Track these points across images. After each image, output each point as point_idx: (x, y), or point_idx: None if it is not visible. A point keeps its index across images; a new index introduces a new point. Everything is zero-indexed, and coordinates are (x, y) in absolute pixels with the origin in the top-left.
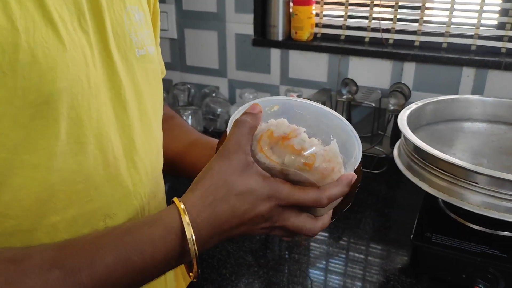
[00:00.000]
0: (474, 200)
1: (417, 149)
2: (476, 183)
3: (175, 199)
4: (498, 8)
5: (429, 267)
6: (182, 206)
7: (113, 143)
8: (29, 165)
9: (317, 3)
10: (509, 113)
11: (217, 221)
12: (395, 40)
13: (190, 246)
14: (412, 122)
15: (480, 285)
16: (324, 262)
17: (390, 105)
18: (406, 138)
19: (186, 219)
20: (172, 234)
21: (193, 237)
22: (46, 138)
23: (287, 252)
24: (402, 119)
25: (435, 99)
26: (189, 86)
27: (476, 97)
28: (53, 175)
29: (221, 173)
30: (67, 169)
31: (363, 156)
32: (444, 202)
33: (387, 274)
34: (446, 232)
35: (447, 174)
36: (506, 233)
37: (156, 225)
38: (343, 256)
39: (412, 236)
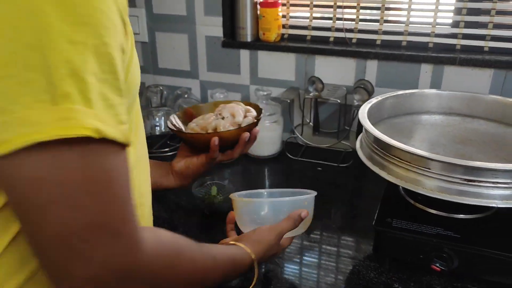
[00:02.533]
0: (428, 185)
1: (376, 140)
2: (430, 169)
3: (248, 249)
4: (452, 8)
5: (390, 250)
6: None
7: None
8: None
9: (283, 5)
10: (463, 105)
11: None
12: (358, 39)
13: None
14: (373, 116)
15: (436, 264)
16: (298, 256)
17: (355, 101)
18: (366, 131)
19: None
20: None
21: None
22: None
23: None
24: (363, 113)
25: (394, 94)
26: (161, 88)
27: (432, 91)
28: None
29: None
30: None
31: (332, 151)
32: (404, 189)
33: (354, 260)
34: (405, 217)
35: (403, 162)
36: (460, 216)
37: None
38: (316, 248)
39: (374, 222)
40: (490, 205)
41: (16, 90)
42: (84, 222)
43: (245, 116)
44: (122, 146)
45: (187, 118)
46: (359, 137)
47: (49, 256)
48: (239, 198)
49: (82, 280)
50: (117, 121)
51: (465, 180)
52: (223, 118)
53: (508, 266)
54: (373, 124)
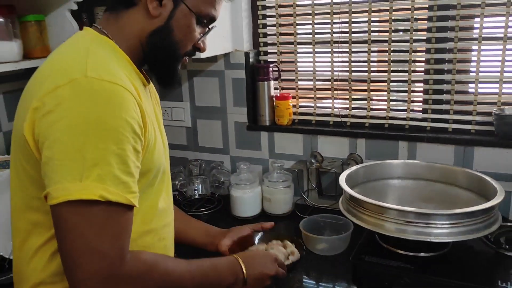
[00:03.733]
0: (388, 228)
1: (351, 197)
2: (383, 214)
3: (239, 259)
4: (421, 98)
5: (364, 278)
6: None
7: None
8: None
9: (294, 97)
10: (427, 172)
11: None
12: (351, 123)
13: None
14: (351, 181)
15: None
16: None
17: None
18: (344, 191)
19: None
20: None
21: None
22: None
23: None
24: (342, 178)
25: (366, 164)
26: (200, 161)
27: (397, 161)
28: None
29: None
30: None
31: (332, 210)
32: (378, 234)
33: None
34: (375, 254)
35: (368, 211)
36: (420, 254)
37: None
38: (310, 276)
39: (351, 257)
40: (426, 239)
41: (64, 171)
42: (88, 248)
43: (287, 258)
44: (128, 206)
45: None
46: (341, 197)
47: (65, 262)
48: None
49: (81, 280)
50: (126, 192)
51: (407, 222)
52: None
53: None
54: (353, 186)
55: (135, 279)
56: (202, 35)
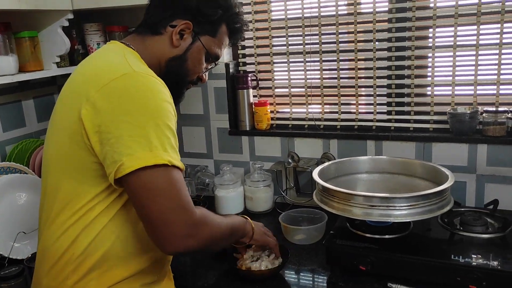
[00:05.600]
0: (355, 212)
1: (323, 188)
2: (350, 200)
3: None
4: (385, 101)
5: (336, 259)
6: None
7: None
8: None
9: (271, 104)
10: (390, 166)
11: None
12: (324, 125)
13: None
14: (324, 175)
15: (364, 266)
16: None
17: None
18: (317, 182)
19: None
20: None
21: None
22: None
23: None
24: (315, 173)
25: (337, 161)
26: (186, 165)
27: (364, 157)
28: None
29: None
30: None
31: (308, 206)
32: (348, 221)
33: (316, 272)
34: (346, 238)
35: (336, 198)
36: (386, 236)
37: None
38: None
39: (324, 241)
40: (387, 220)
41: (135, 145)
42: (170, 207)
43: (273, 264)
44: (180, 170)
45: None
46: (315, 190)
47: (153, 223)
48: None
49: (170, 233)
50: (179, 158)
51: (371, 206)
52: (257, 259)
53: (411, 266)
54: (325, 180)
55: (203, 224)
56: (206, 69)
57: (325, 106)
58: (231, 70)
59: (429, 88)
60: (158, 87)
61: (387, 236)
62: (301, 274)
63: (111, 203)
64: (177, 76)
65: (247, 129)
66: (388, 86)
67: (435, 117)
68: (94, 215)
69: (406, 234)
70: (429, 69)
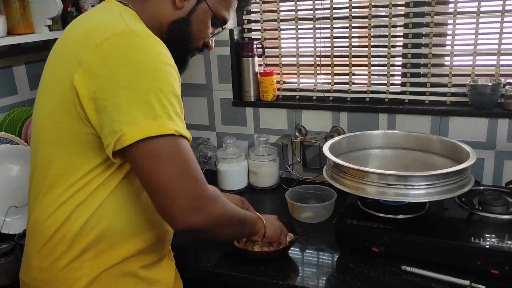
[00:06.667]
0: (370, 191)
1: (334, 164)
2: (364, 178)
3: (260, 215)
4: (400, 72)
5: (347, 240)
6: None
7: None
8: None
9: (278, 74)
10: (405, 141)
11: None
12: (333, 97)
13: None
14: (335, 150)
15: (377, 248)
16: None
17: None
18: (327, 158)
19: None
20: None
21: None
22: None
23: None
24: (326, 148)
25: (349, 135)
26: None
27: (378, 132)
28: None
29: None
30: None
31: (315, 182)
32: (359, 199)
33: (324, 251)
34: (357, 217)
35: (349, 175)
36: (399, 216)
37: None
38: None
39: (334, 221)
40: (404, 200)
41: (137, 113)
42: (179, 174)
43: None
44: (187, 139)
45: None
46: (325, 165)
47: (160, 198)
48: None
49: (179, 204)
50: (185, 127)
51: (386, 184)
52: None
53: (427, 248)
54: (336, 156)
55: (214, 201)
56: (213, 34)
57: (335, 76)
58: (235, 37)
59: (447, 58)
60: (159, 48)
61: (401, 216)
62: (309, 253)
63: (109, 176)
64: (181, 42)
65: (252, 100)
66: (404, 56)
67: (453, 90)
68: (90, 190)
69: (422, 214)
70: (449, 37)
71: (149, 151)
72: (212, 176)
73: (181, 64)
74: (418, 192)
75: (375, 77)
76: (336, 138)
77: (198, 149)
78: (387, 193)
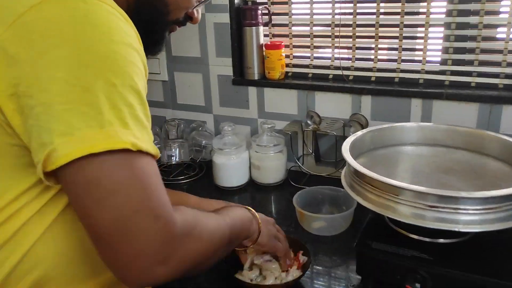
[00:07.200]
0: (402, 211)
1: (355, 171)
2: (397, 195)
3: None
4: (440, 47)
5: (370, 270)
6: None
7: None
8: None
9: (287, 46)
10: (446, 137)
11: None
12: (354, 76)
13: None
14: (357, 148)
15: (411, 285)
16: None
17: (351, 133)
18: (348, 163)
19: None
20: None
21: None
22: None
23: None
24: (345, 147)
25: (375, 128)
26: (178, 121)
27: (412, 124)
28: None
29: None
30: None
31: (332, 179)
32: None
33: (341, 279)
34: (385, 240)
35: (377, 189)
36: (440, 240)
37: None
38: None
39: (355, 244)
40: (453, 229)
41: (74, 118)
42: (131, 209)
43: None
44: (153, 156)
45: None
46: (344, 169)
47: (104, 240)
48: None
49: (132, 256)
50: (150, 138)
51: (429, 206)
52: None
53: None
54: (358, 155)
55: (186, 237)
56: (199, 2)
57: (357, 51)
58: (236, 1)
59: (503, 30)
60: (115, 21)
61: (441, 241)
62: (320, 281)
63: (47, 204)
64: (153, 14)
65: (256, 78)
66: (446, 26)
67: (508, 70)
68: (20, 222)
69: (470, 238)
70: (506, 2)
71: (89, 176)
72: (207, 170)
73: (155, 42)
74: (472, 219)
75: (408, 52)
76: (359, 133)
77: (190, 136)
78: (427, 217)
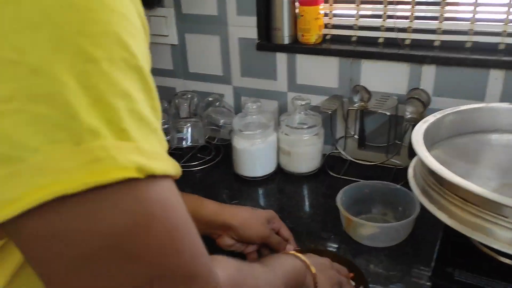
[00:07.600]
0: (503, 237)
1: (433, 173)
2: (505, 216)
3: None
4: None
5: None
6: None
7: None
8: None
9: (326, 2)
10: None
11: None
12: (412, 40)
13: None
14: (430, 136)
15: None
16: None
17: (407, 113)
18: (422, 161)
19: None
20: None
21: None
22: None
23: None
24: (417, 136)
25: (456, 109)
26: (190, 95)
27: (504, 105)
28: None
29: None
30: None
31: (380, 168)
32: None
33: None
34: (472, 268)
35: (468, 204)
36: None
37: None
38: None
39: (431, 272)
40: None
41: (23, 131)
42: (148, 276)
43: None
44: (171, 177)
45: None
46: (412, 163)
47: None
48: None
49: None
50: (163, 146)
51: None
52: None
53: None
54: (431, 145)
55: None
56: None
57: (416, 7)
58: None
59: None
60: None
61: None
62: None
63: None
64: None
65: (286, 42)
66: None
67: None
68: None
69: None
70: None
71: (61, 231)
72: (225, 153)
73: None
74: None
75: (483, 7)
76: (433, 117)
77: (205, 114)
78: None
